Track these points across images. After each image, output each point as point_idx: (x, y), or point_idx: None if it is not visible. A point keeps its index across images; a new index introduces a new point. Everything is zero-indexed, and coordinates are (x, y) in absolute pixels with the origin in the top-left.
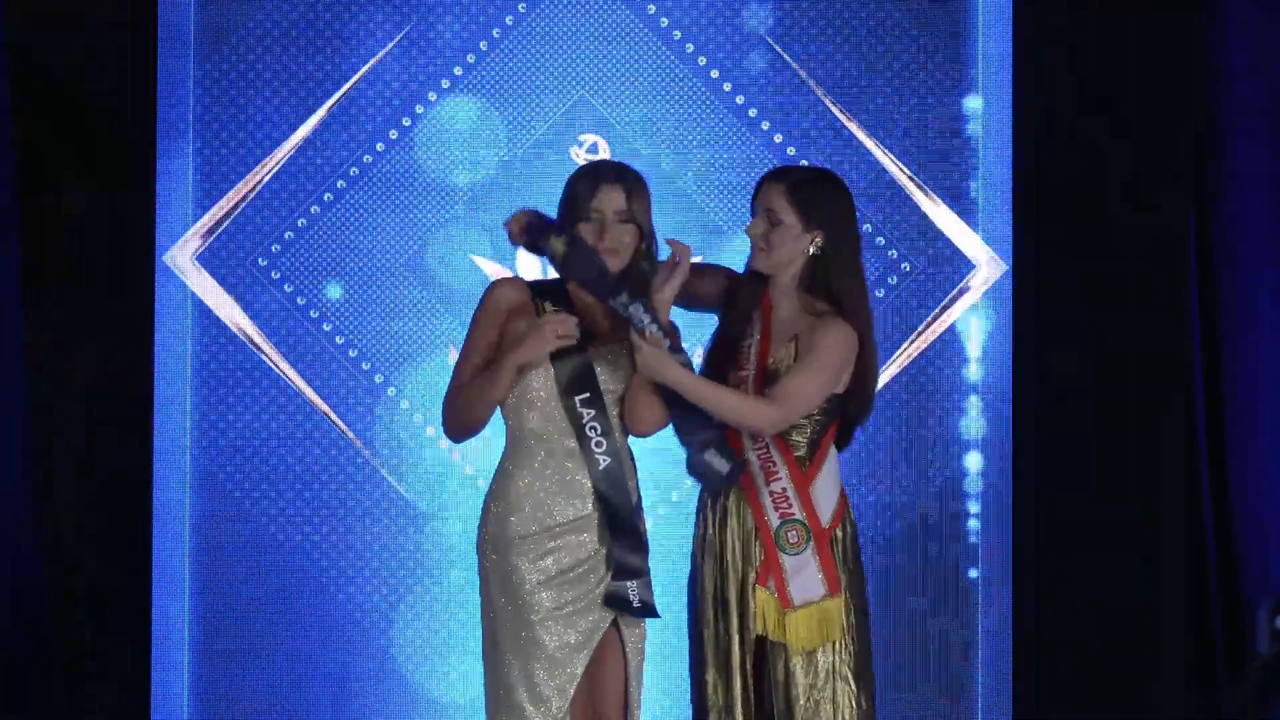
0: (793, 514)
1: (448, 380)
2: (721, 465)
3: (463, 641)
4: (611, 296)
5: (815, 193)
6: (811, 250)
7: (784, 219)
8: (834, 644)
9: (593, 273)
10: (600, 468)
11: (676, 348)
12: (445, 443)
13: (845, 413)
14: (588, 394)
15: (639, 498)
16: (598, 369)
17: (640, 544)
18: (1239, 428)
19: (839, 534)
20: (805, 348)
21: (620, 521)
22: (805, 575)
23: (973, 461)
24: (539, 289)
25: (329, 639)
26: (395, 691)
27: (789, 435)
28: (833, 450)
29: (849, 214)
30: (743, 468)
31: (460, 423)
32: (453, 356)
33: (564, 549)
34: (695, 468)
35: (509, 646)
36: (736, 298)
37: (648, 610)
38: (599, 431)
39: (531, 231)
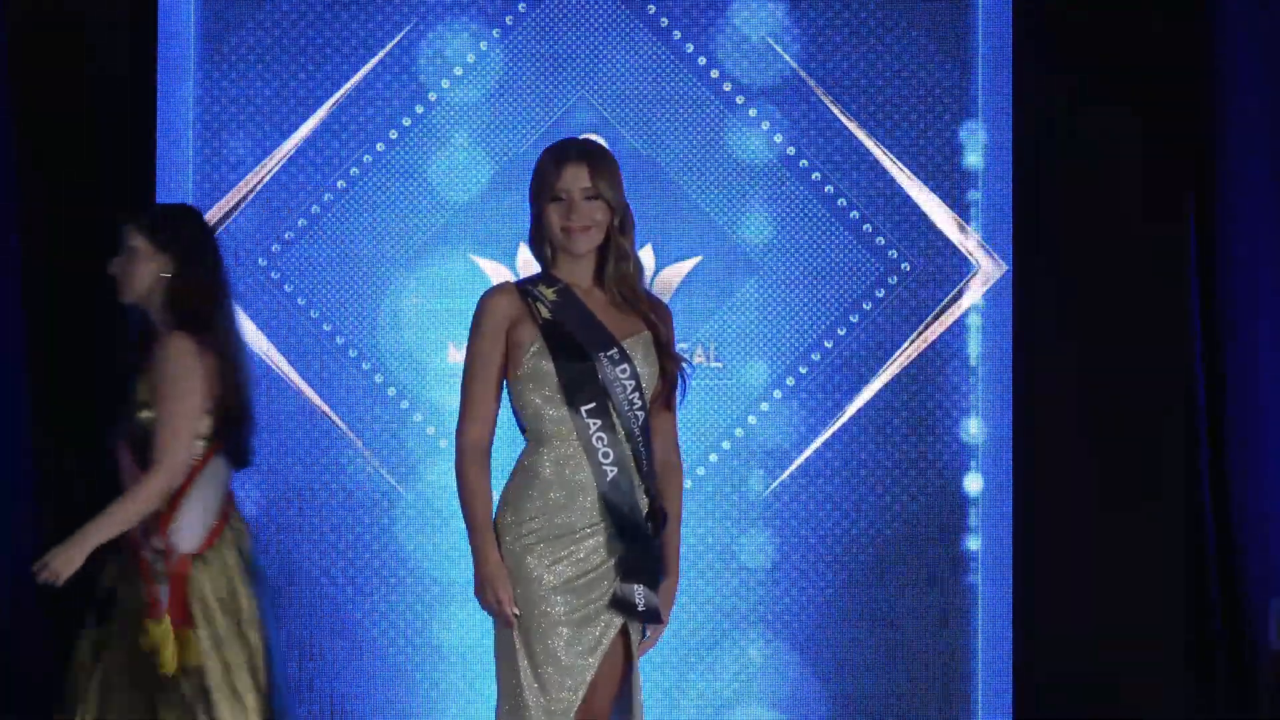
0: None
1: (447, 377)
2: (640, 601)
3: (463, 640)
4: (603, 350)
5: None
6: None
7: None
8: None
9: (585, 324)
10: (608, 479)
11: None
12: (445, 442)
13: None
14: (593, 404)
15: (654, 504)
16: (603, 377)
17: (649, 550)
18: (1239, 427)
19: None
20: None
21: (629, 529)
22: None
23: (973, 462)
24: (529, 290)
25: (329, 638)
26: (396, 690)
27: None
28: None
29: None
30: (655, 619)
31: (456, 479)
32: (453, 355)
33: (575, 556)
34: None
35: (520, 649)
36: None
37: (653, 615)
38: (605, 442)
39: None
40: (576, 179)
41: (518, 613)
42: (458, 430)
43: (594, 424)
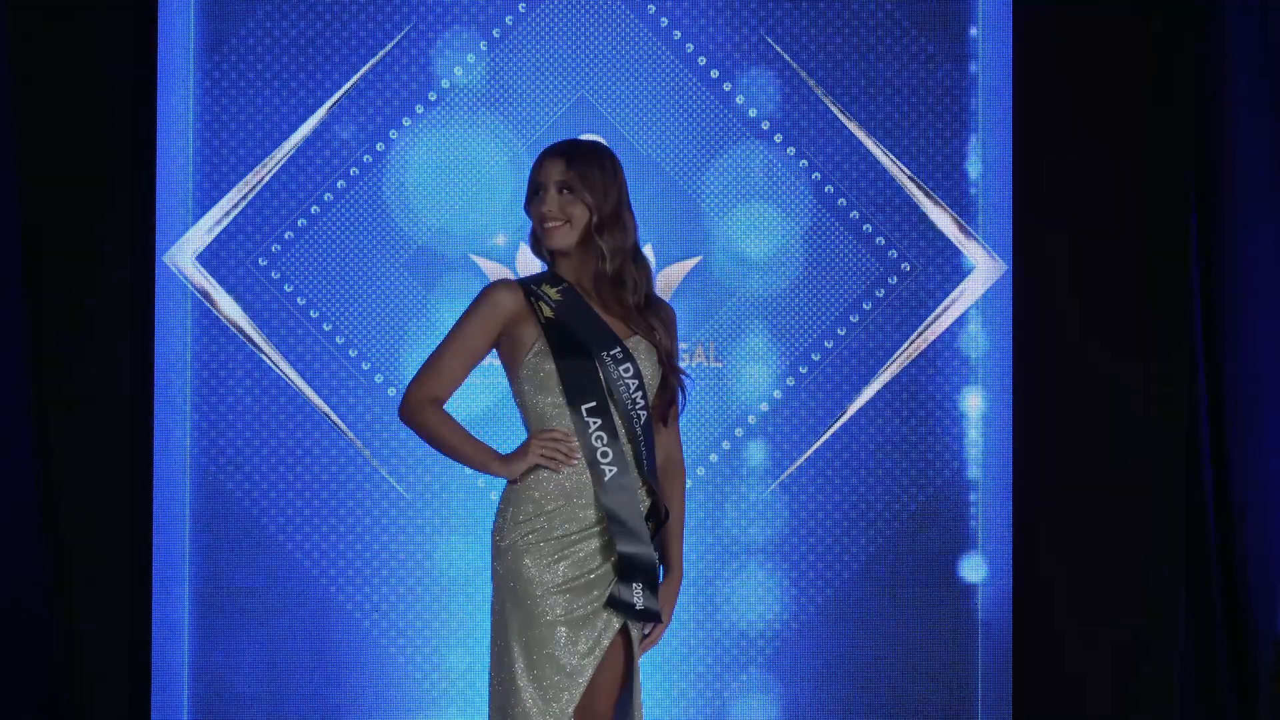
0: None
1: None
2: (638, 600)
3: (462, 640)
4: (605, 350)
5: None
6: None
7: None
8: None
9: (588, 323)
10: (606, 478)
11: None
12: None
13: None
14: (593, 403)
15: (657, 502)
16: (604, 376)
17: (647, 549)
18: (1240, 428)
19: None
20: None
21: (628, 529)
22: None
23: (973, 462)
24: (532, 289)
25: (330, 638)
26: (396, 689)
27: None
28: None
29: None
30: (653, 618)
31: (413, 427)
32: None
33: (574, 556)
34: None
35: (518, 648)
36: None
37: (650, 614)
38: (604, 441)
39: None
40: (552, 171)
41: (575, 445)
42: (409, 387)
43: (594, 423)
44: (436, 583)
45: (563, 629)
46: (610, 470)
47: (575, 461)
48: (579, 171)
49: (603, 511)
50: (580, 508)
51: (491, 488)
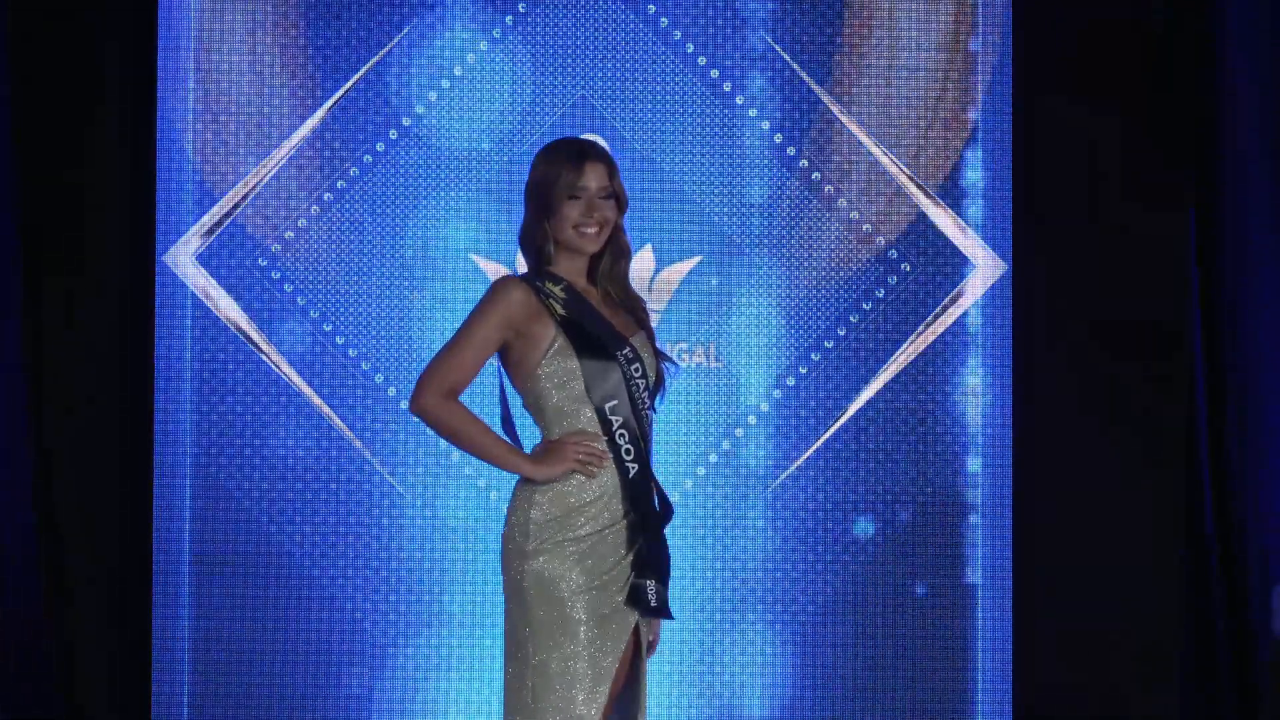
0: None
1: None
2: (651, 597)
3: (463, 640)
4: (619, 349)
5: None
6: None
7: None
8: None
9: (596, 323)
10: (630, 476)
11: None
12: (446, 442)
13: None
14: (615, 401)
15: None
16: (622, 374)
17: (664, 547)
18: (1240, 428)
19: None
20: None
21: (647, 526)
22: None
23: (973, 461)
24: (539, 286)
25: (329, 638)
26: (396, 690)
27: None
28: None
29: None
30: (665, 614)
31: (430, 420)
32: None
33: (599, 555)
34: (637, 589)
35: (550, 649)
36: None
37: (663, 611)
38: (626, 439)
39: None
40: (596, 177)
41: (601, 448)
42: (424, 379)
43: (616, 420)
44: (437, 583)
45: (592, 628)
46: (633, 468)
47: (607, 463)
48: (617, 174)
49: (626, 509)
50: (607, 507)
51: (492, 487)
